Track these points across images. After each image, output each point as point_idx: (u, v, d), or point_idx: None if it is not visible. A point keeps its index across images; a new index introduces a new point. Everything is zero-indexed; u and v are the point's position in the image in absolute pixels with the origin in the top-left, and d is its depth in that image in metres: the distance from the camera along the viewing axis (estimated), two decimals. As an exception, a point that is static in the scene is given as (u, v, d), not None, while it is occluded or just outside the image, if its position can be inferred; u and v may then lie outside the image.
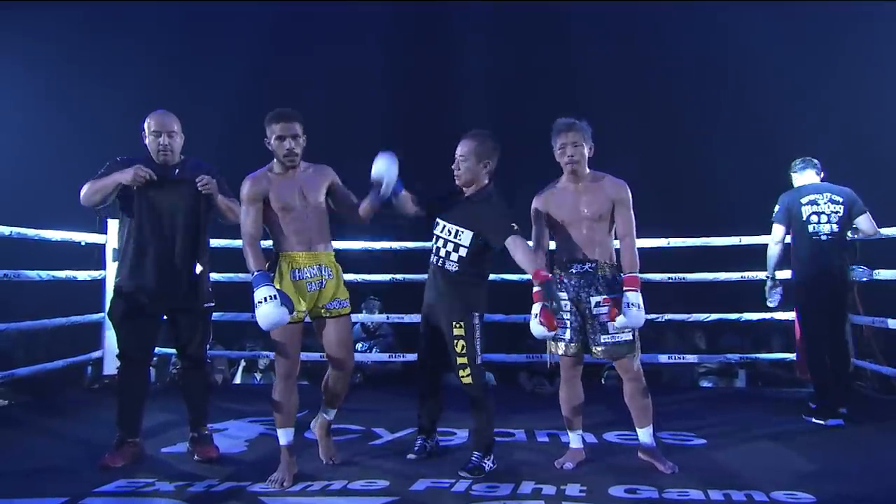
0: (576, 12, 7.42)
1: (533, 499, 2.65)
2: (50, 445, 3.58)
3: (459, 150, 3.13)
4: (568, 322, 3.07)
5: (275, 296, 2.73)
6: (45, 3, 6.76)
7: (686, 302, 5.11)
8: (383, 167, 2.99)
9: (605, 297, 3.05)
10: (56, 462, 3.26)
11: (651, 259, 5.09)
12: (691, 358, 5.15)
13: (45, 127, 6.72)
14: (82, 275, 4.76)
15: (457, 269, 3.11)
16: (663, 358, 5.10)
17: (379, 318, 5.25)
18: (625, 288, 3.00)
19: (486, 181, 3.15)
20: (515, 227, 3.00)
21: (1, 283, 4.22)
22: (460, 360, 3.05)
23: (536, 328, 2.90)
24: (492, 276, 5.04)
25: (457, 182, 3.16)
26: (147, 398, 3.33)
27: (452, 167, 3.16)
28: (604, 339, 3.04)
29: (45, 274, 4.46)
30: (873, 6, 6.31)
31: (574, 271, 3.08)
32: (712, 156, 6.67)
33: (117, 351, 3.31)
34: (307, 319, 3.06)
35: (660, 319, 4.98)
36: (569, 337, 3.08)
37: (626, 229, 3.10)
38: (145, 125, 3.24)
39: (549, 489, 2.75)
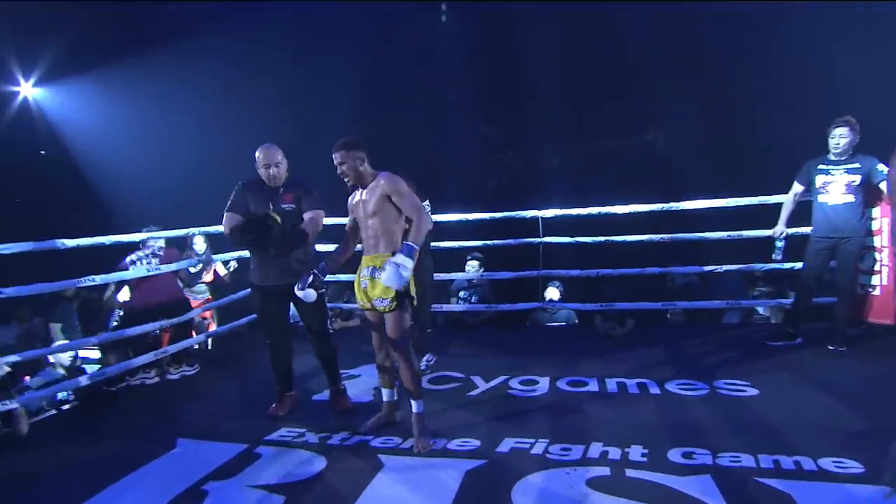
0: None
1: (600, 465, 2.51)
2: (236, 392, 3.88)
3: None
4: None
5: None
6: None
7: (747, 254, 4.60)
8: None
9: None
10: (238, 408, 3.55)
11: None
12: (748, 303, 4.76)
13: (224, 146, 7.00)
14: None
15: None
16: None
17: (474, 274, 5.17)
18: None
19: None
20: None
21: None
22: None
23: None
24: (566, 239, 4.84)
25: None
26: (292, 361, 3.45)
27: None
28: None
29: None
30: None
31: None
32: (766, 117, 5.78)
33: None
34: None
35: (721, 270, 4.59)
36: None
37: None
38: (256, 158, 3.23)
39: (614, 453, 2.60)
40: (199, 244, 5.37)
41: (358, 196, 2.95)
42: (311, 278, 2.87)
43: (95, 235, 3.81)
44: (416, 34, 7.83)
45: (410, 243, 2.68)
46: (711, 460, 2.49)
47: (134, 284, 4.36)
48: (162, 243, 4.47)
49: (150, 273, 4.23)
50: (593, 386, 3.53)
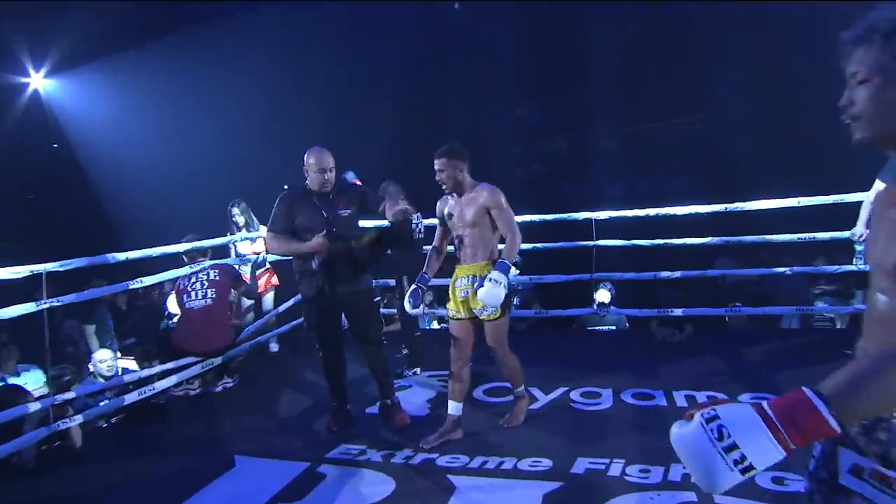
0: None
1: (684, 489, 2.40)
2: (283, 404, 3.79)
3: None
4: None
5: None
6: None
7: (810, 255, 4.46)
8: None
9: None
10: (289, 421, 3.51)
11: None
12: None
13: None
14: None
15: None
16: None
17: (522, 278, 5.01)
18: None
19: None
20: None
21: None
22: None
23: None
24: (622, 242, 4.71)
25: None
26: (345, 375, 3.35)
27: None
28: None
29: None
30: None
31: None
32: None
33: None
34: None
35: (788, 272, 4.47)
36: None
37: None
38: (308, 162, 3.10)
39: (699, 476, 2.52)
40: (239, 217, 4.88)
41: (453, 204, 2.96)
42: (420, 293, 2.97)
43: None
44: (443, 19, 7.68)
45: (504, 260, 2.82)
46: (805, 488, 2.38)
47: (181, 327, 4.17)
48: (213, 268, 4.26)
49: (201, 303, 4.10)
50: (661, 399, 3.42)
